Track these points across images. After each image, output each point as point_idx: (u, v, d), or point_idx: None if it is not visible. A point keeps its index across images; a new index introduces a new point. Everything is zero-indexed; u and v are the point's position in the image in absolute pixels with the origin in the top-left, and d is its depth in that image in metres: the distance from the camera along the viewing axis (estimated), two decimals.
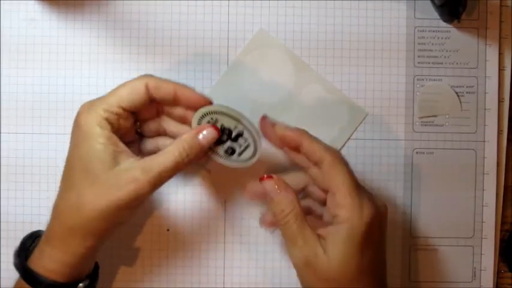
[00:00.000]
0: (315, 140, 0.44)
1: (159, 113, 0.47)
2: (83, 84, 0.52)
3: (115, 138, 0.43)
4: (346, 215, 0.41)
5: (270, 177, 0.44)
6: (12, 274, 0.52)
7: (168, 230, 0.53)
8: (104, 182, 0.41)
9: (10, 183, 0.52)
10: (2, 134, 0.52)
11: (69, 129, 0.52)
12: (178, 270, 0.53)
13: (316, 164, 0.44)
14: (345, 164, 0.43)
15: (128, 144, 0.45)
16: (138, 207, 0.43)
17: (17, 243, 0.52)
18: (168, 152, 0.43)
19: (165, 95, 0.44)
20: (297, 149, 0.44)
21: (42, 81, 0.52)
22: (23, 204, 0.52)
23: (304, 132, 0.44)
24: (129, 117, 0.44)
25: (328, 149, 0.43)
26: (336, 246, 0.41)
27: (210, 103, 0.45)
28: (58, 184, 0.52)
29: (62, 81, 0.52)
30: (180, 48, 0.52)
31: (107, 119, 0.43)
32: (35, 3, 0.52)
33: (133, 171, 0.41)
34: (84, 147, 0.42)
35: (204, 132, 0.44)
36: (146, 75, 0.44)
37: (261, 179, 0.44)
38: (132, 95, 0.43)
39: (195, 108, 0.45)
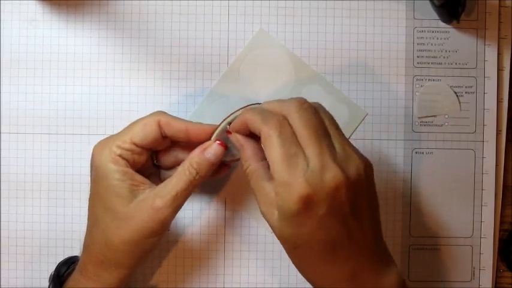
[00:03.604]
0: (255, 112, 0.41)
1: (173, 145, 0.47)
2: (84, 84, 0.52)
3: (131, 172, 0.44)
4: (277, 190, 0.39)
5: (229, 132, 0.44)
6: (12, 274, 0.52)
7: (168, 230, 0.53)
8: (124, 215, 0.43)
9: (11, 183, 0.52)
10: (2, 134, 0.52)
11: (69, 129, 0.52)
12: (178, 270, 0.53)
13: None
14: (277, 135, 0.39)
15: (148, 177, 0.46)
16: (164, 233, 0.45)
17: (17, 243, 0.52)
18: (179, 173, 0.44)
19: (176, 132, 0.45)
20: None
21: (43, 81, 0.52)
22: (24, 204, 0.52)
23: (246, 112, 0.42)
24: (143, 152, 0.45)
25: (266, 119, 0.40)
26: (278, 217, 0.40)
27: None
28: (58, 184, 0.52)
29: (63, 81, 0.52)
30: (180, 48, 0.53)
31: (121, 156, 0.44)
32: (36, 4, 0.52)
33: (150, 200, 0.43)
34: (102, 185, 0.44)
35: (210, 149, 0.44)
36: (158, 112, 0.45)
37: (227, 132, 0.44)
38: (144, 132, 0.44)
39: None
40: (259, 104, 0.45)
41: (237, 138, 0.43)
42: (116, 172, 0.43)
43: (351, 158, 0.40)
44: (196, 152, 0.44)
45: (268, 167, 0.40)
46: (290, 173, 0.38)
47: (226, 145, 0.45)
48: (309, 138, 0.39)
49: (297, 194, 0.38)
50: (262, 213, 0.41)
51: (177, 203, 0.43)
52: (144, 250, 0.44)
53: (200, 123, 0.46)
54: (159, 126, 0.45)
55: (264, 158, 0.42)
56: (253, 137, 0.43)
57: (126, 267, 0.45)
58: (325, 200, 0.38)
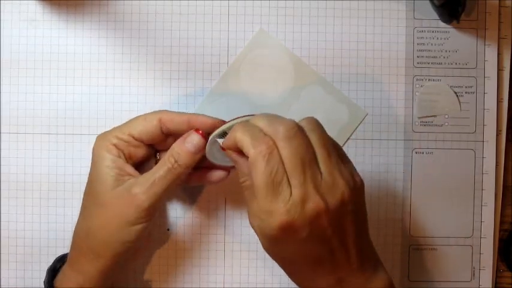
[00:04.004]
0: (245, 132, 0.40)
1: None
2: (84, 84, 0.52)
3: (121, 162, 0.45)
4: (258, 214, 0.40)
5: (223, 149, 0.44)
6: (12, 274, 0.52)
7: (168, 229, 0.53)
8: (105, 202, 0.44)
9: (11, 183, 0.52)
10: (2, 134, 0.52)
11: (69, 129, 0.52)
12: (179, 270, 0.53)
13: None
14: (266, 162, 0.39)
15: None
16: (146, 223, 0.44)
17: (17, 243, 0.52)
18: (160, 162, 0.45)
19: (178, 124, 0.45)
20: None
21: (43, 81, 0.52)
22: (24, 203, 0.52)
23: (237, 130, 0.41)
24: (141, 146, 0.46)
25: (255, 142, 0.39)
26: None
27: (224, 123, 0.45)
28: (58, 184, 0.52)
29: (63, 81, 0.52)
30: (180, 48, 0.53)
31: (116, 145, 0.45)
32: (36, 4, 0.52)
33: (129, 187, 0.44)
34: (93, 171, 0.45)
35: (189, 139, 0.45)
36: (161, 110, 0.46)
37: (221, 148, 0.44)
38: (143, 126, 0.45)
39: (210, 132, 0.46)
40: (248, 115, 0.44)
41: (230, 155, 0.43)
42: (106, 159, 0.44)
43: (336, 184, 0.40)
44: (177, 141, 0.45)
45: None
46: (272, 201, 0.39)
47: (203, 134, 0.45)
48: (295, 167, 0.39)
49: (277, 222, 0.39)
50: (250, 222, 0.42)
51: (154, 190, 0.43)
52: (121, 241, 0.44)
53: (202, 114, 0.46)
54: (160, 122, 0.45)
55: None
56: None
57: (104, 257, 0.44)
58: (305, 226, 0.39)
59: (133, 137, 0.45)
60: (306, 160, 0.39)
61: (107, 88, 0.52)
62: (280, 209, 0.38)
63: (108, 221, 0.44)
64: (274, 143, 0.39)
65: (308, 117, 0.42)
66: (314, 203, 0.39)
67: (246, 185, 0.42)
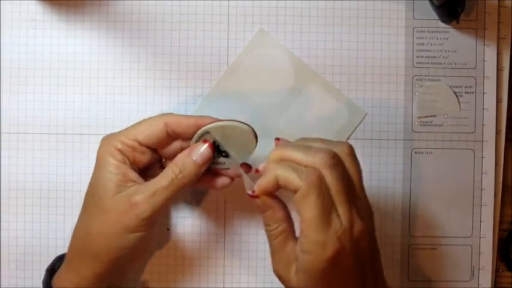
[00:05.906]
0: (287, 168, 0.40)
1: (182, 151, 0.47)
2: (84, 84, 0.52)
3: (125, 167, 0.44)
4: (307, 248, 0.39)
5: (256, 196, 0.42)
6: (13, 274, 0.52)
7: (168, 229, 0.53)
8: (105, 208, 0.44)
9: (11, 183, 0.52)
10: (2, 134, 0.52)
11: (69, 129, 0.52)
12: (178, 269, 0.53)
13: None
14: (318, 192, 0.39)
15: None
16: (145, 232, 0.44)
17: (17, 243, 0.52)
18: (163, 172, 0.44)
19: (187, 127, 0.45)
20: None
21: (43, 81, 0.52)
22: (24, 204, 0.52)
23: (277, 168, 0.40)
24: (146, 152, 0.46)
25: (302, 175, 0.39)
26: (300, 273, 0.40)
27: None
28: (58, 184, 0.52)
29: (63, 81, 0.52)
30: (180, 48, 0.53)
31: (121, 150, 0.45)
32: (36, 4, 0.52)
33: (130, 195, 0.43)
34: (96, 175, 0.45)
35: (196, 150, 0.44)
36: (167, 114, 0.46)
37: (251, 196, 0.43)
38: (149, 131, 0.45)
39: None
40: (234, 120, 0.44)
41: (265, 202, 0.42)
42: (110, 164, 0.44)
43: (369, 207, 0.41)
44: (183, 152, 0.45)
45: (293, 225, 0.41)
46: (325, 232, 0.39)
47: (212, 145, 0.45)
48: (342, 196, 0.39)
49: (330, 253, 0.38)
50: (276, 270, 0.42)
51: (156, 200, 0.43)
52: (119, 246, 0.44)
53: (209, 116, 0.45)
54: (166, 125, 0.45)
55: (289, 217, 0.42)
56: (273, 195, 0.42)
57: (101, 261, 0.44)
58: (352, 253, 0.39)
59: (139, 142, 0.45)
60: (348, 186, 0.40)
61: (107, 88, 0.52)
62: (333, 238, 0.38)
63: (107, 226, 0.43)
64: (321, 173, 0.39)
65: (341, 143, 0.42)
66: (359, 227, 0.39)
67: (278, 232, 0.42)
